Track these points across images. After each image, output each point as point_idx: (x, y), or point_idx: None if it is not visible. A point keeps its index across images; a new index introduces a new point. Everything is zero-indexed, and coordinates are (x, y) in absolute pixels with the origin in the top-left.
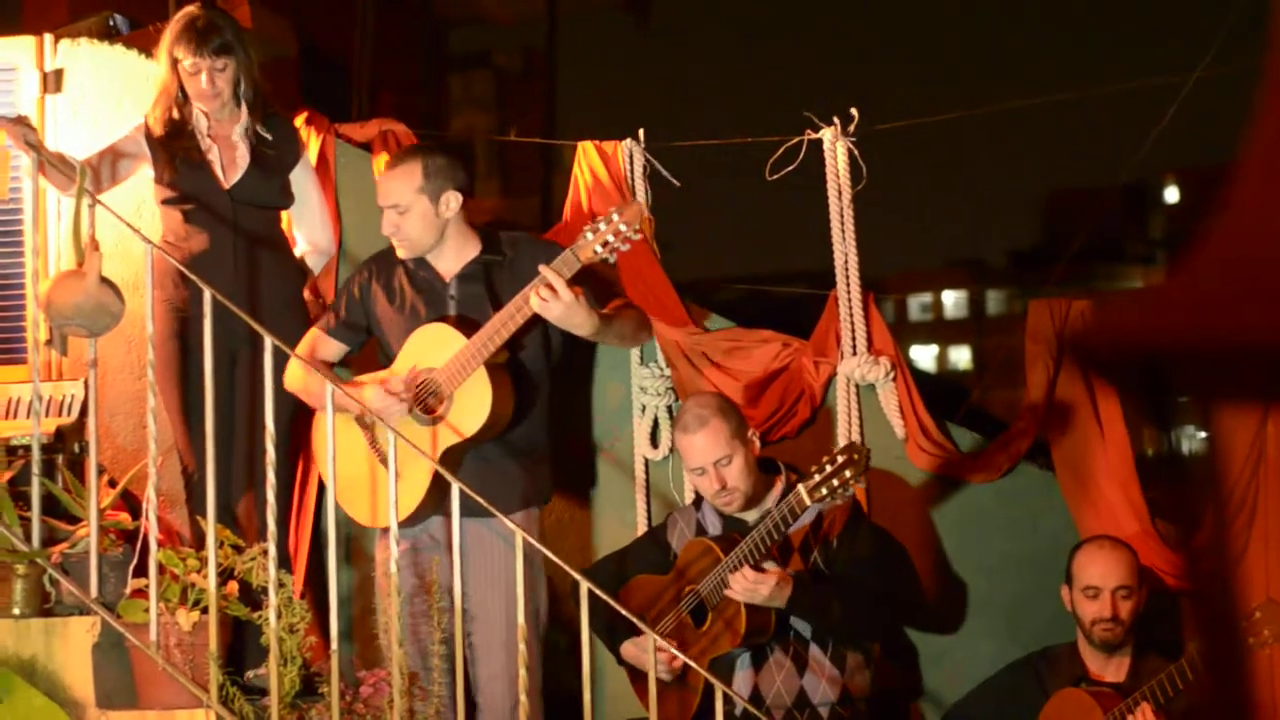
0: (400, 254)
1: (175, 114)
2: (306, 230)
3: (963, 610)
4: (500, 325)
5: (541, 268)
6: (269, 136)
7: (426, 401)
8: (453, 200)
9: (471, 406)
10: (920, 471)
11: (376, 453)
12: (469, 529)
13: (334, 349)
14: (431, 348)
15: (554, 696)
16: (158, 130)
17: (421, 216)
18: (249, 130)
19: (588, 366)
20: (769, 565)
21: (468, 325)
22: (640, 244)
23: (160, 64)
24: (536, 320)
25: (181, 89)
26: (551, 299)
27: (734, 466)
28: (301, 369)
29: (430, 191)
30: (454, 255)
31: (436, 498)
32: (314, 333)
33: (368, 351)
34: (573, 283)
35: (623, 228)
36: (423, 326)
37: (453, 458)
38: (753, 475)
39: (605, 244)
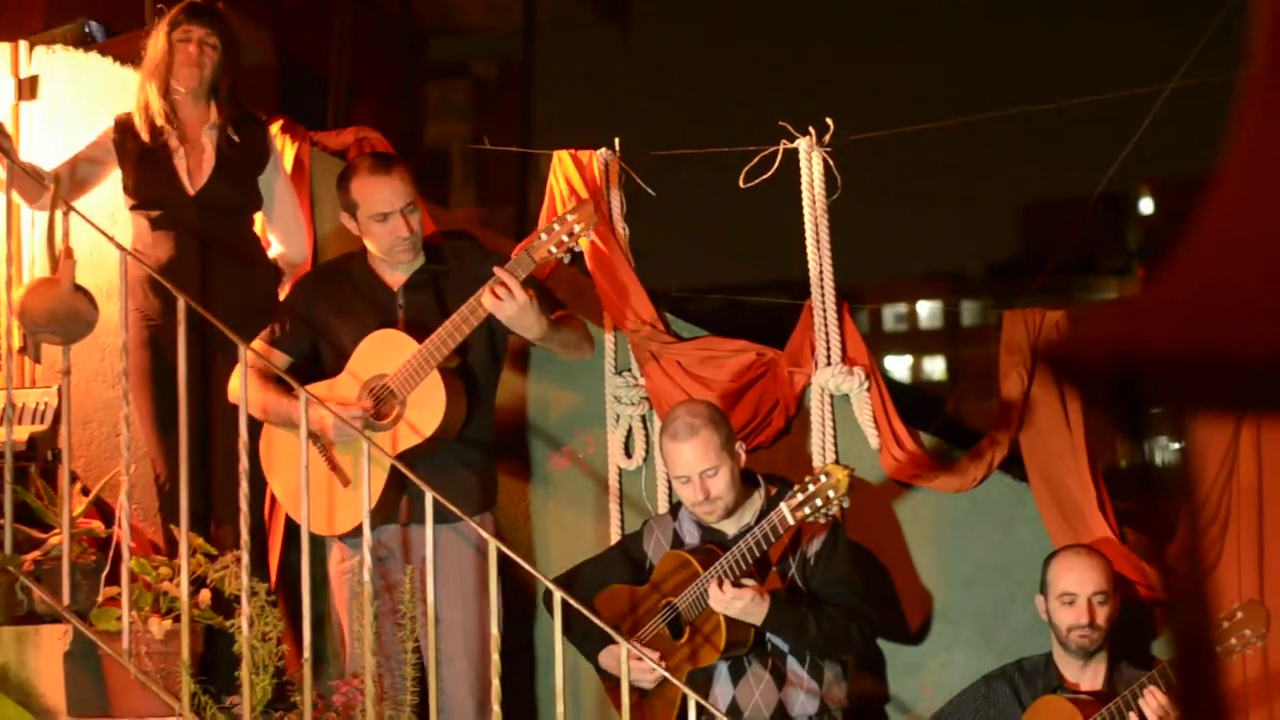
0: (405, 259)
1: (160, 104)
2: (280, 234)
3: (937, 620)
4: (454, 329)
5: (496, 269)
6: (236, 139)
7: (378, 408)
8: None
9: (425, 412)
10: (894, 482)
11: (327, 462)
12: (424, 535)
13: (278, 360)
14: (382, 354)
15: (528, 708)
16: (129, 122)
17: (422, 212)
18: (217, 129)
19: (551, 372)
20: (747, 581)
21: (417, 331)
22: (615, 251)
23: (154, 44)
24: (484, 325)
25: (166, 100)
26: (506, 298)
27: (720, 477)
28: (256, 381)
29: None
30: (403, 264)
31: (390, 505)
32: (258, 344)
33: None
34: (524, 287)
35: (576, 227)
36: (374, 333)
37: (404, 463)
38: (736, 487)
39: (559, 244)
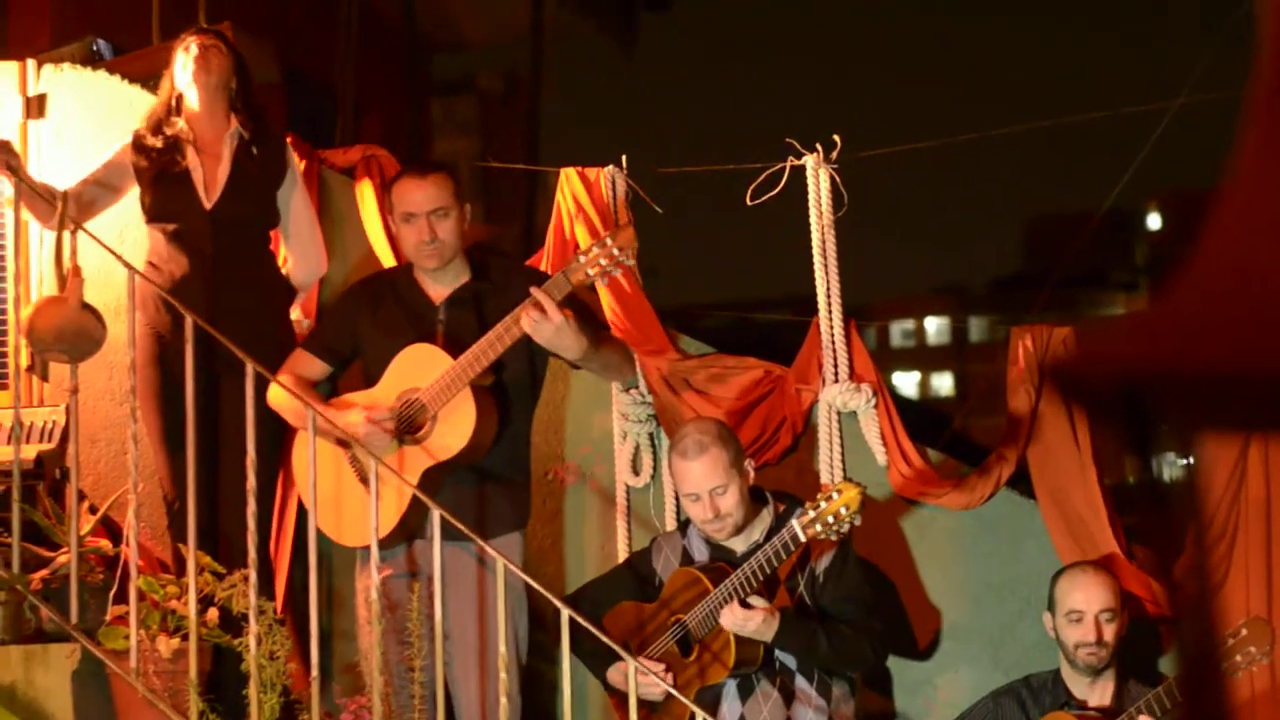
0: (429, 265)
1: (167, 104)
2: (297, 251)
3: (944, 637)
4: (488, 346)
5: (533, 289)
6: (255, 151)
7: (410, 421)
8: (468, 213)
9: (455, 428)
10: (902, 499)
11: (356, 472)
12: (448, 553)
13: (318, 369)
14: (417, 368)
15: None
16: (148, 136)
17: (457, 223)
18: (236, 139)
19: (570, 393)
20: (756, 600)
21: (455, 346)
22: (627, 272)
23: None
24: (523, 344)
25: (171, 106)
26: (542, 320)
27: (729, 495)
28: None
29: (461, 199)
30: (448, 279)
31: (413, 520)
32: (298, 352)
33: (353, 368)
34: (562, 307)
35: (615, 252)
36: (410, 346)
37: (434, 479)
38: (745, 504)
39: (597, 267)
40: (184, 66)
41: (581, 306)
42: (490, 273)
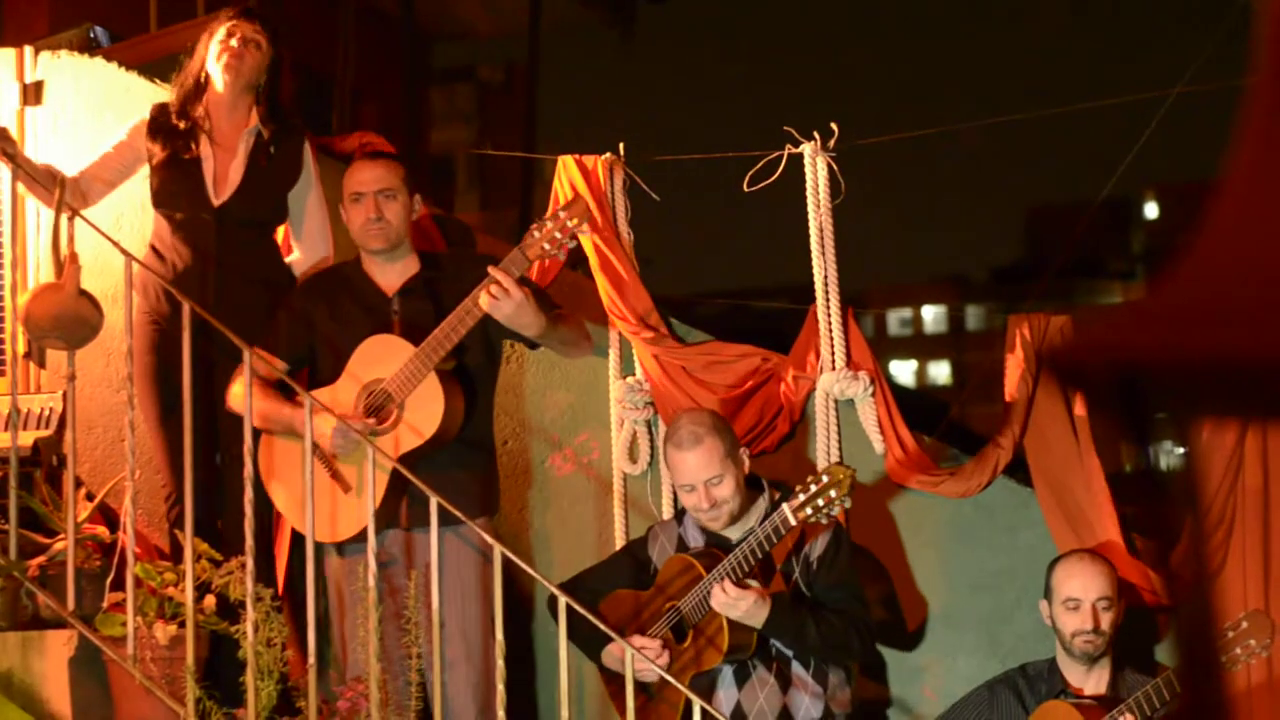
0: (374, 245)
1: (197, 80)
2: (307, 249)
3: (941, 625)
4: (450, 330)
5: (490, 268)
6: (271, 150)
7: (377, 412)
8: (418, 204)
9: (423, 415)
10: (899, 486)
11: (329, 470)
12: (423, 541)
13: (277, 367)
14: (378, 358)
15: (527, 712)
16: (173, 115)
17: (404, 208)
18: (254, 136)
19: (554, 375)
20: (750, 583)
21: (413, 335)
22: (618, 253)
23: (201, 43)
24: (480, 326)
25: (200, 82)
26: (502, 297)
27: (724, 485)
28: (256, 390)
29: (410, 186)
30: (398, 270)
31: (391, 509)
32: (256, 353)
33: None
34: (519, 284)
35: (569, 223)
36: (370, 338)
37: (406, 466)
38: (741, 493)
39: (552, 240)
40: (218, 53)
41: (535, 286)
42: (441, 261)
